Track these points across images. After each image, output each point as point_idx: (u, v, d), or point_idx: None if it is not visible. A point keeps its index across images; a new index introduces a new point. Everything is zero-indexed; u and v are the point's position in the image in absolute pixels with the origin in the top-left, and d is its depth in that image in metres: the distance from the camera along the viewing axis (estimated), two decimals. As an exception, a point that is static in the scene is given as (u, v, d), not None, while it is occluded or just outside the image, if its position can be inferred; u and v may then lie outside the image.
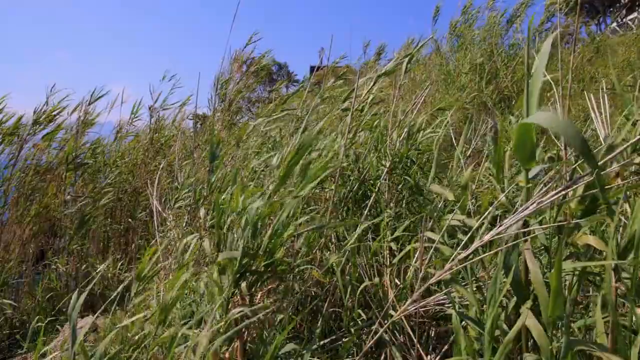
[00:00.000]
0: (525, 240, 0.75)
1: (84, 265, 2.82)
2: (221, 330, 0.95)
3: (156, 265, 1.21)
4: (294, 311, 1.24)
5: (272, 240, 1.06)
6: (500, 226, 0.70)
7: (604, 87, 1.07)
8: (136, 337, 1.06)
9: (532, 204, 0.67)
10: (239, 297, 1.09)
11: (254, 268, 1.06)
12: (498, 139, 0.90)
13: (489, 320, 0.72)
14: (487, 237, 0.71)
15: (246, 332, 1.09)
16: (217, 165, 1.63)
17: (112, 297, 1.07)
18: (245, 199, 1.11)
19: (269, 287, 1.25)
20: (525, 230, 0.73)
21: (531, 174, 0.79)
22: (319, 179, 1.09)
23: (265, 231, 1.07)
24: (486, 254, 0.80)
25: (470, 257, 0.77)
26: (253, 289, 1.12)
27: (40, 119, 3.09)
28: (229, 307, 1.03)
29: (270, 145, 2.06)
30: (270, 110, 2.32)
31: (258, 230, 1.05)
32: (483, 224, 0.80)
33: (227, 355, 1.06)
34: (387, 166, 1.50)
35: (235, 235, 1.08)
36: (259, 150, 2.10)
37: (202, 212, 1.59)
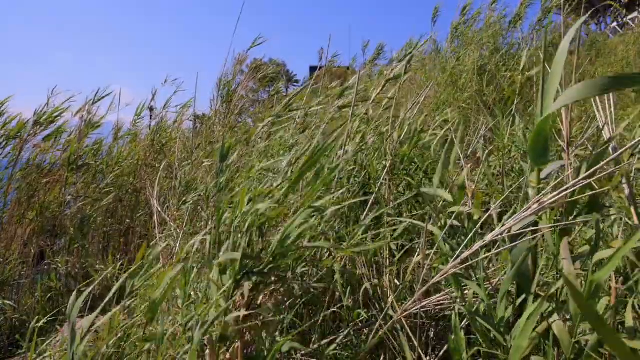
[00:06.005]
0: (534, 239, 0.73)
1: (84, 265, 2.81)
2: (218, 329, 0.95)
3: (152, 265, 1.19)
4: (295, 313, 1.23)
5: (284, 245, 1.04)
6: (503, 225, 0.70)
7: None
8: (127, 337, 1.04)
9: (534, 204, 0.67)
10: (240, 297, 1.08)
11: (256, 269, 1.05)
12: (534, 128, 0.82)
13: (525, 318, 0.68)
14: (489, 237, 0.71)
15: (247, 333, 1.08)
16: (226, 167, 1.60)
17: (110, 296, 1.06)
18: (253, 201, 1.09)
19: (273, 288, 1.24)
20: (531, 229, 0.72)
21: (543, 174, 0.75)
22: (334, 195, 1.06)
23: (271, 233, 1.05)
24: (490, 253, 0.79)
25: (477, 252, 0.77)
26: (256, 291, 1.11)
27: (41, 120, 3.09)
28: (230, 307, 1.02)
29: (276, 149, 2.03)
30: (276, 112, 2.30)
31: (263, 232, 1.04)
32: (487, 222, 0.80)
33: (227, 356, 1.05)
34: (387, 165, 1.50)
35: (239, 236, 1.06)
36: (265, 152, 2.07)
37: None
